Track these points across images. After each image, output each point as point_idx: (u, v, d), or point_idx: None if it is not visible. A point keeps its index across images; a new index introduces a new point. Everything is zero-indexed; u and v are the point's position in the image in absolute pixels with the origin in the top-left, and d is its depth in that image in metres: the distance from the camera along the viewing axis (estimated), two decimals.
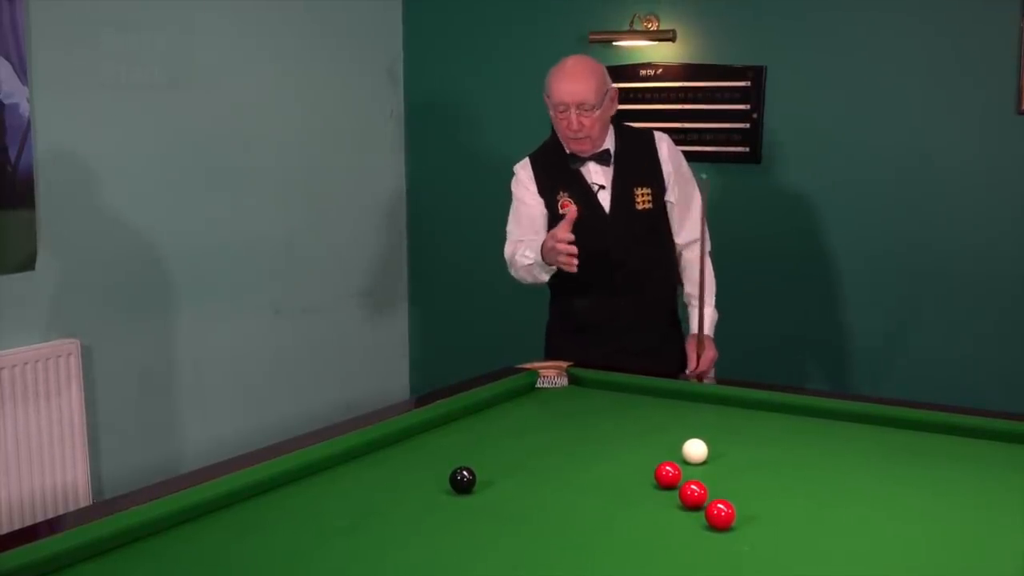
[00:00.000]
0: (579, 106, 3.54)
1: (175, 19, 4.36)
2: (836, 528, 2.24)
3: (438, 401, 3.05)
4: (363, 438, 2.71)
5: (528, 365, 3.44)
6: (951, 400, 3.23)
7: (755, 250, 4.65)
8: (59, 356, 3.94)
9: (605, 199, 3.66)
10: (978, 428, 2.83)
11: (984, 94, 4.22)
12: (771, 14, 4.56)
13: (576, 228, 3.58)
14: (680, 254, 3.80)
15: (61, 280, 4.02)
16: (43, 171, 3.92)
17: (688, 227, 3.75)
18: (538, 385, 3.35)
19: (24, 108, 3.82)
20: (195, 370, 4.54)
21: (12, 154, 3.80)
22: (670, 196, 3.70)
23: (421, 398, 3.27)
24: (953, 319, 4.36)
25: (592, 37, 4.81)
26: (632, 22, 4.77)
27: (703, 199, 3.59)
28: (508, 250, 3.77)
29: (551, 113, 3.65)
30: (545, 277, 3.65)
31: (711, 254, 3.79)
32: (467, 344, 5.43)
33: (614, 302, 3.70)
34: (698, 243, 3.71)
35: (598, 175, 3.68)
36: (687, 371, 3.67)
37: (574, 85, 3.55)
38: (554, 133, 3.75)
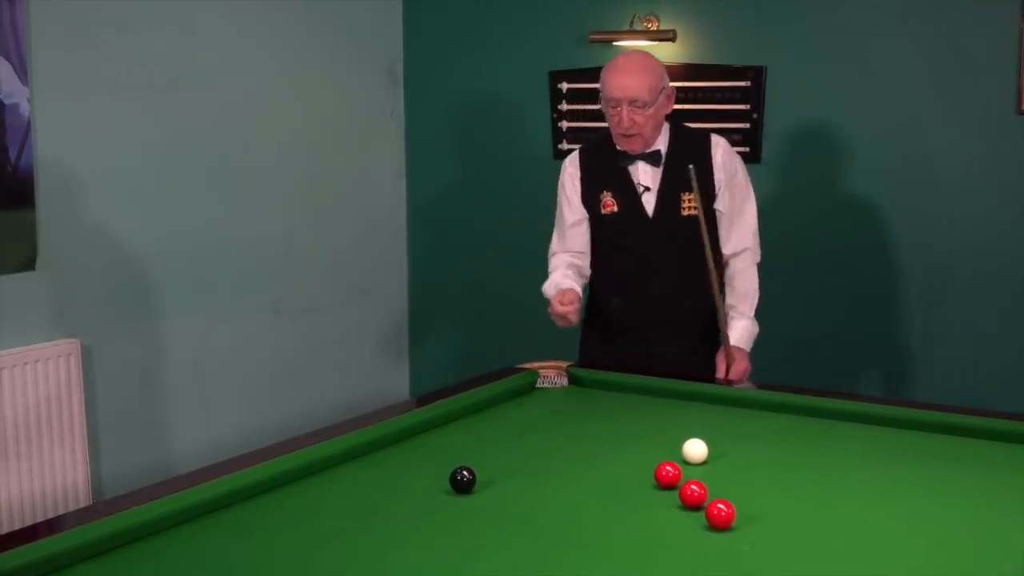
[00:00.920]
0: (631, 102, 3.44)
1: (175, 19, 4.35)
2: (836, 528, 2.25)
3: (438, 401, 3.05)
4: (363, 438, 2.72)
5: (528, 365, 3.44)
6: (951, 400, 3.23)
7: None
8: (59, 356, 3.94)
9: (649, 202, 3.57)
10: (978, 428, 2.84)
11: (984, 94, 4.22)
12: (771, 14, 4.56)
13: (618, 227, 3.58)
14: (727, 263, 3.67)
15: (61, 280, 4.02)
16: (43, 171, 3.92)
17: (737, 236, 3.62)
18: (538, 385, 3.35)
19: (24, 108, 3.82)
20: (195, 370, 4.54)
21: (12, 154, 3.80)
22: (719, 204, 3.58)
23: (421, 398, 3.28)
24: (953, 319, 4.36)
25: (592, 37, 4.81)
26: (632, 22, 4.77)
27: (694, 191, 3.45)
28: (550, 259, 3.74)
29: (603, 108, 3.56)
30: (555, 287, 3.57)
31: (759, 266, 3.71)
32: (467, 344, 5.43)
33: (648, 308, 3.62)
34: (747, 252, 3.65)
35: (646, 176, 3.58)
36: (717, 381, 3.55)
37: (626, 80, 3.45)
38: (608, 128, 3.64)
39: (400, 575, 2.03)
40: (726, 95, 4.64)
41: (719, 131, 4.61)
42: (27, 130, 3.83)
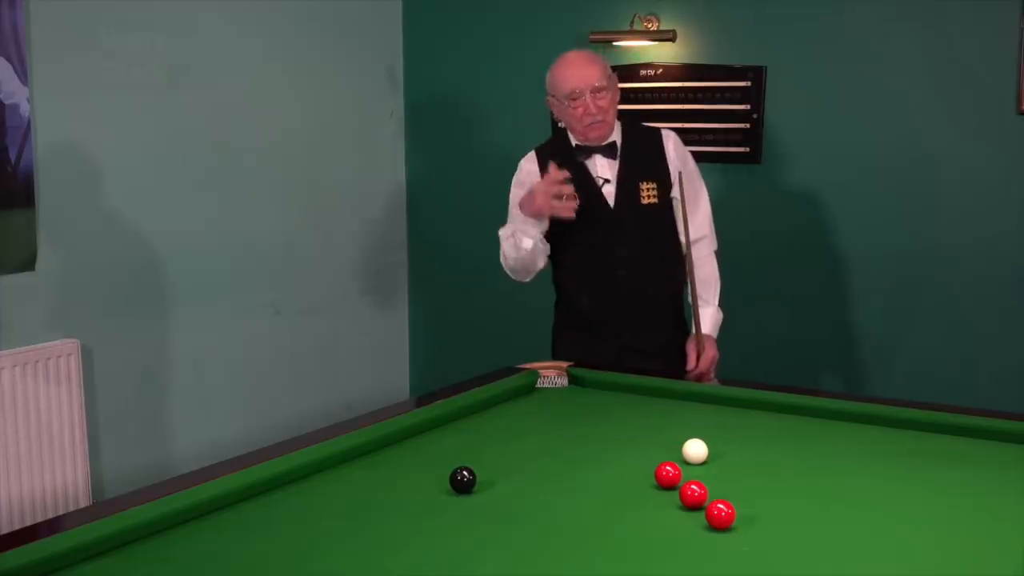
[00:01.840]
0: (593, 89, 3.55)
1: (175, 20, 4.36)
2: (836, 528, 2.24)
3: (438, 401, 3.05)
4: (363, 438, 2.71)
5: (528, 365, 3.44)
6: (951, 400, 3.22)
7: (755, 250, 4.65)
8: (59, 356, 3.94)
9: (610, 194, 3.64)
10: (978, 428, 2.83)
11: (984, 94, 4.22)
12: (771, 14, 4.56)
13: (580, 222, 3.60)
14: (690, 256, 3.73)
15: (61, 280, 4.02)
16: (43, 171, 3.92)
17: (693, 225, 3.68)
18: (538, 385, 3.35)
19: (24, 108, 3.82)
20: (195, 370, 4.54)
21: (12, 154, 3.80)
22: (675, 192, 3.66)
23: (421, 398, 3.28)
24: (953, 319, 4.36)
25: (592, 37, 4.81)
26: (632, 22, 4.77)
27: (681, 193, 3.58)
28: (503, 245, 3.72)
29: (561, 108, 3.64)
30: (528, 244, 3.57)
31: (717, 253, 3.79)
32: (467, 344, 5.43)
33: (619, 299, 3.66)
34: (704, 240, 3.73)
35: (604, 169, 3.66)
36: (687, 370, 3.64)
37: (583, 70, 3.58)
38: (557, 132, 3.73)
39: (400, 575, 2.03)
40: (726, 95, 4.64)
41: (719, 131, 4.65)
42: (27, 130, 3.83)
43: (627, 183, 3.64)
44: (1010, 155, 4.20)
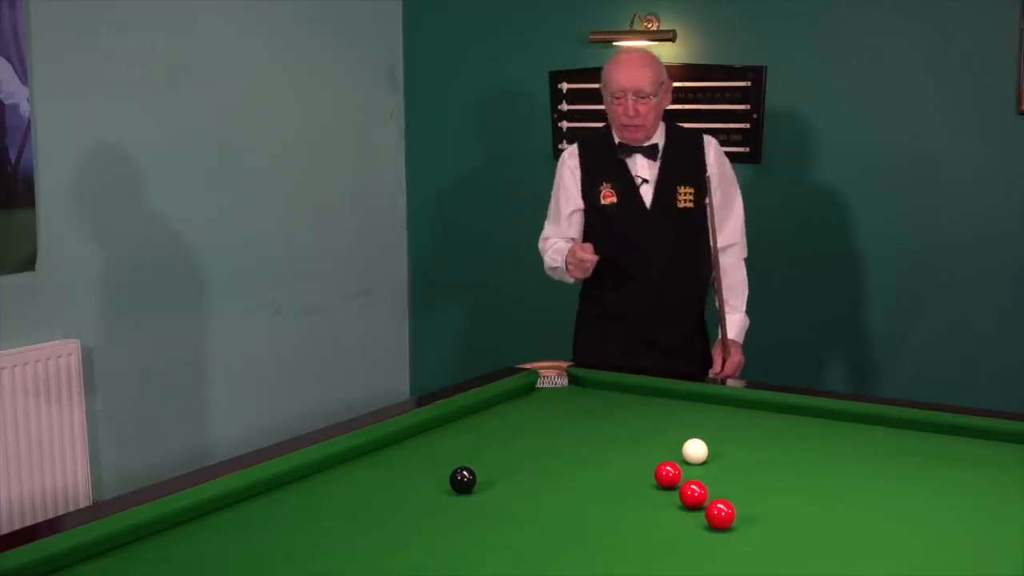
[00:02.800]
0: (636, 93, 3.58)
1: (175, 19, 4.35)
2: (836, 528, 2.25)
3: (438, 401, 3.05)
4: (363, 438, 2.72)
5: (528, 365, 3.45)
6: (951, 399, 3.23)
7: (755, 250, 4.63)
8: (59, 357, 3.94)
9: (647, 193, 3.68)
10: (978, 428, 2.84)
11: (985, 94, 4.22)
12: (771, 14, 4.56)
13: (616, 219, 3.68)
14: (718, 261, 3.74)
15: (61, 281, 4.01)
16: (43, 171, 3.92)
17: (726, 232, 3.74)
18: (538, 385, 3.36)
19: (24, 108, 3.82)
20: (196, 370, 4.54)
21: (12, 154, 3.80)
22: (709, 198, 3.67)
23: (421, 398, 3.28)
24: (953, 319, 4.36)
25: (592, 37, 4.81)
26: (632, 22, 4.77)
27: (709, 197, 3.60)
28: (541, 245, 3.85)
29: (606, 102, 3.69)
30: (569, 281, 3.71)
31: (745, 261, 3.83)
32: (467, 344, 5.43)
33: (644, 297, 3.70)
34: (734, 248, 3.79)
35: (643, 168, 3.70)
36: (710, 373, 3.67)
37: (632, 72, 3.60)
38: (606, 123, 3.78)
39: (400, 575, 2.03)
40: (726, 95, 4.64)
41: (719, 131, 4.64)
42: (27, 130, 3.83)
43: (665, 185, 3.68)
44: (1010, 155, 4.20)
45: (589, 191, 3.74)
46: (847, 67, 4.45)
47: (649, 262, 3.68)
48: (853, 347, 4.57)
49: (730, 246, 3.77)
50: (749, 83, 4.59)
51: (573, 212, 3.77)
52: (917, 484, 2.50)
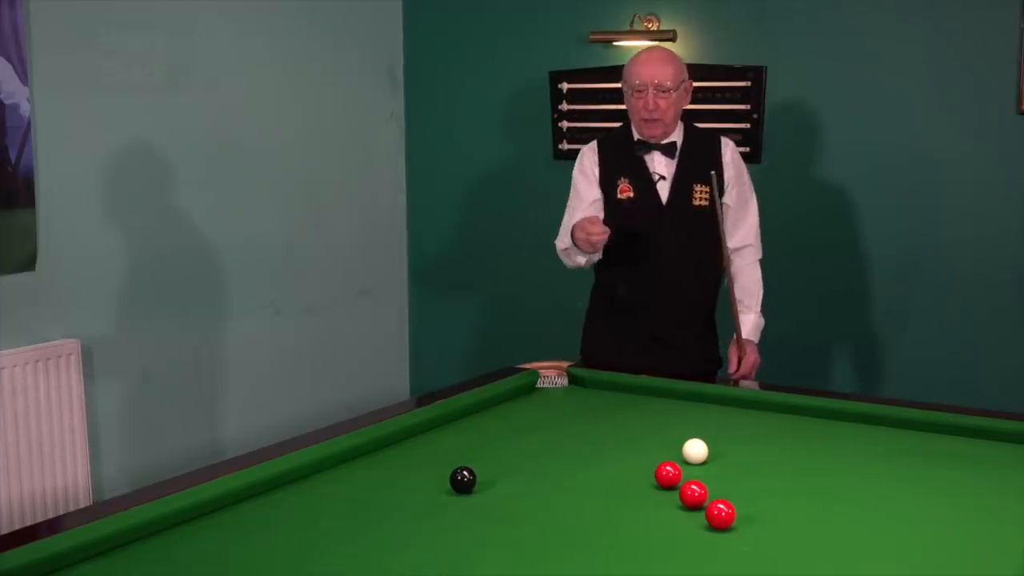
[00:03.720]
0: (656, 87, 3.61)
1: (175, 19, 4.35)
2: (836, 528, 2.25)
3: (438, 401, 3.05)
4: (363, 438, 2.72)
5: (529, 365, 3.45)
6: (951, 399, 3.23)
7: None
8: (59, 356, 3.94)
9: (664, 190, 3.70)
10: (978, 428, 2.84)
11: (985, 94, 4.22)
12: (771, 14, 4.56)
13: (631, 214, 3.69)
14: (729, 259, 3.77)
15: (61, 280, 4.01)
16: (43, 171, 3.92)
17: (741, 232, 3.77)
18: (538, 385, 3.36)
19: (24, 108, 3.82)
20: (196, 370, 4.54)
21: (12, 154, 3.80)
22: (727, 199, 3.72)
23: (421, 398, 3.28)
24: (953, 319, 4.36)
25: (592, 37, 4.81)
26: (632, 22, 4.77)
27: (716, 194, 3.60)
28: (558, 242, 3.81)
29: (627, 97, 3.72)
30: (582, 260, 3.68)
31: (761, 262, 3.84)
32: (467, 344, 5.43)
33: (657, 293, 3.71)
34: (749, 249, 3.81)
35: (661, 166, 3.72)
36: (729, 373, 3.70)
37: (653, 67, 3.65)
38: (625, 122, 3.81)
39: (400, 575, 2.03)
40: (727, 95, 4.64)
41: (719, 131, 4.65)
42: (27, 130, 3.83)
43: (681, 183, 3.70)
44: (1010, 155, 4.20)
45: (606, 185, 3.75)
46: (847, 67, 4.45)
47: (661, 258, 3.69)
48: (853, 346, 4.57)
49: (745, 247, 3.78)
50: (749, 83, 4.59)
51: (592, 203, 3.76)
52: (917, 484, 2.50)
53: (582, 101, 4.89)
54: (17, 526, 3.62)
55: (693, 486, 2.33)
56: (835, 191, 4.52)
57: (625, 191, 3.72)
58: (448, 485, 2.42)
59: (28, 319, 3.92)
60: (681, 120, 3.77)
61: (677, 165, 3.71)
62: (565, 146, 4.94)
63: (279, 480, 2.45)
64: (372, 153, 5.37)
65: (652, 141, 3.71)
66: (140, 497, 2.27)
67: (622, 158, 3.75)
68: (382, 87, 5.38)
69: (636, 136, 3.75)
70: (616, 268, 3.75)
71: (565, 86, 4.93)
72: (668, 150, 3.72)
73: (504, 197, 5.22)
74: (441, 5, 5.34)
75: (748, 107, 4.60)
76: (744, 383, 3.63)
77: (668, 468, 2.45)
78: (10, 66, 3.77)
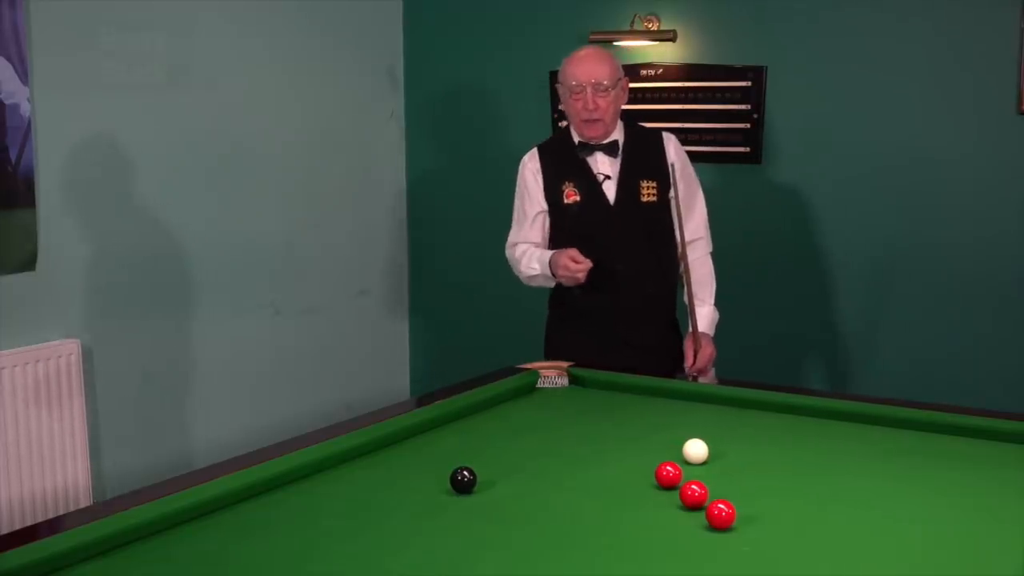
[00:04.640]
0: (595, 86, 3.61)
1: (175, 19, 4.36)
2: (836, 528, 2.25)
3: (439, 401, 3.05)
4: (363, 438, 2.71)
5: (529, 365, 3.44)
6: (951, 399, 3.23)
7: (756, 250, 4.65)
8: (60, 357, 3.94)
9: (610, 190, 3.70)
10: (978, 428, 2.84)
11: (985, 94, 4.22)
12: (772, 14, 4.56)
13: (580, 218, 3.69)
14: (685, 253, 3.77)
15: (62, 280, 4.02)
16: (44, 171, 3.92)
17: (691, 226, 3.76)
18: (539, 385, 3.35)
19: (25, 108, 3.82)
20: (196, 370, 4.54)
21: (13, 154, 3.80)
22: (673, 192, 3.69)
23: (422, 398, 3.28)
24: (953, 319, 4.36)
25: (593, 37, 4.81)
26: (633, 22, 4.77)
27: (675, 190, 3.63)
28: (509, 252, 3.86)
29: (565, 99, 3.71)
30: (550, 285, 3.74)
31: (712, 255, 3.85)
32: (468, 344, 5.43)
33: (615, 294, 3.70)
34: (700, 242, 3.80)
35: (605, 166, 3.72)
36: (685, 368, 3.68)
37: (590, 66, 3.64)
38: (564, 127, 3.81)
39: (400, 575, 2.03)
40: (727, 95, 4.64)
41: (719, 131, 4.65)
42: (28, 130, 3.83)
43: (627, 180, 3.70)
44: (1010, 155, 4.20)
45: (552, 192, 3.75)
46: (847, 67, 4.45)
47: (616, 258, 3.68)
48: (853, 346, 4.57)
49: (696, 240, 3.77)
50: (749, 83, 4.59)
51: (537, 215, 3.78)
52: (917, 484, 2.50)
53: None
54: (17, 526, 3.62)
55: (693, 486, 2.32)
56: (835, 191, 4.52)
57: (571, 195, 3.71)
58: (448, 485, 2.42)
59: (28, 319, 3.92)
60: (621, 119, 3.77)
61: (621, 163, 3.71)
62: None
63: (279, 480, 2.45)
64: (372, 153, 5.37)
65: (593, 142, 3.71)
66: (140, 497, 2.27)
67: (564, 162, 3.75)
68: (382, 87, 5.38)
69: (577, 139, 3.74)
70: None
71: None
72: (610, 149, 3.72)
73: (504, 197, 5.18)
74: (441, 5, 5.34)
75: (748, 107, 4.60)
76: (702, 378, 3.65)
77: (668, 468, 2.45)
78: (10, 66, 3.77)
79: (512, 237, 3.87)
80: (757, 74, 4.58)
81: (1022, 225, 4.21)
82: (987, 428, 2.83)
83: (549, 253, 3.69)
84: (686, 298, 3.73)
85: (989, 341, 4.30)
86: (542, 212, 3.78)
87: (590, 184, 3.71)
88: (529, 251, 3.77)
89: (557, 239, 3.76)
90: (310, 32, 4.95)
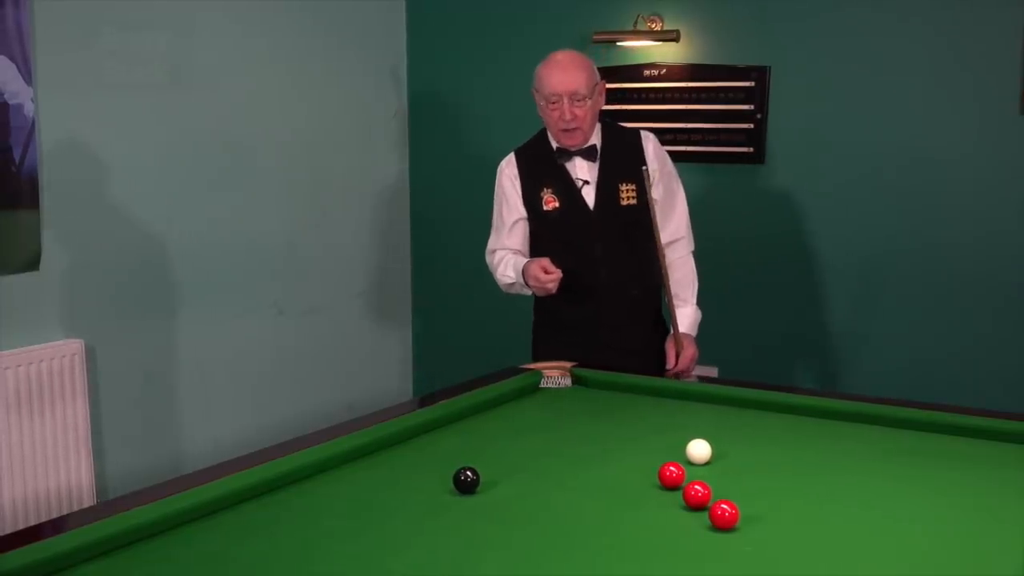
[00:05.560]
0: (571, 96, 3.55)
1: (178, 19, 4.36)
2: (838, 528, 2.25)
3: (441, 401, 3.05)
4: (366, 438, 2.72)
5: (532, 365, 3.45)
6: (952, 399, 3.23)
7: (758, 250, 4.65)
8: (63, 356, 3.95)
9: (589, 195, 3.67)
10: (978, 428, 2.84)
11: (987, 95, 4.22)
12: (775, 14, 4.57)
13: (561, 224, 3.67)
14: (663, 253, 3.74)
15: (65, 280, 4.02)
16: (47, 171, 3.93)
17: (672, 226, 3.73)
18: (542, 385, 3.36)
19: (28, 108, 3.83)
20: (199, 370, 4.54)
21: (16, 154, 3.81)
22: (654, 193, 3.65)
23: (424, 398, 3.28)
24: (954, 318, 4.36)
25: (596, 37, 4.81)
26: (636, 22, 4.77)
27: (647, 189, 3.58)
28: (489, 259, 3.84)
29: (541, 107, 3.67)
30: (527, 293, 3.69)
31: (694, 254, 3.82)
32: (470, 344, 5.43)
33: (598, 299, 3.69)
34: (681, 241, 3.77)
35: (583, 171, 3.68)
36: (666, 369, 3.66)
37: (566, 75, 3.57)
38: (541, 130, 3.77)
39: (402, 575, 2.03)
40: (730, 95, 4.65)
41: (722, 131, 4.65)
42: (31, 130, 3.84)
43: (606, 185, 3.67)
44: (1012, 155, 4.20)
45: (531, 198, 3.72)
46: (850, 67, 4.45)
47: (598, 263, 3.67)
48: (853, 346, 4.57)
49: (677, 240, 3.75)
50: (752, 83, 4.59)
51: (516, 221, 3.76)
52: (917, 484, 2.50)
53: None
54: (21, 526, 3.63)
55: (696, 486, 2.33)
56: (837, 191, 4.52)
57: (551, 202, 3.68)
58: (451, 485, 2.42)
59: (31, 319, 3.93)
60: (599, 120, 3.72)
61: (599, 168, 3.67)
62: None
63: (281, 480, 2.46)
64: (375, 153, 5.37)
65: (572, 149, 3.67)
66: (143, 497, 2.27)
67: (542, 168, 3.71)
68: (385, 87, 5.39)
69: (554, 144, 3.70)
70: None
71: None
72: (588, 154, 3.68)
73: None
74: (444, 5, 5.34)
75: (751, 107, 4.60)
76: (687, 377, 3.61)
77: (671, 468, 2.45)
78: (14, 66, 3.77)
79: (491, 243, 3.84)
80: (760, 74, 4.58)
81: (1023, 225, 4.21)
82: (987, 428, 2.83)
83: (524, 261, 3.65)
84: (667, 299, 3.71)
85: (989, 341, 4.30)
86: (521, 219, 3.75)
87: (569, 190, 3.68)
88: (507, 258, 3.74)
89: (537, 246, 3.75)
90: (313, 32, 4.96)
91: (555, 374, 3.39)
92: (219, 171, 4.58)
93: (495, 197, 3.83)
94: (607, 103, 4.69)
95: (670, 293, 3.67)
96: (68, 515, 2.47)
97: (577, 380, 3.39)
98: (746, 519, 2.22)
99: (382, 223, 5.42)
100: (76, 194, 4.05)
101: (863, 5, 4.40)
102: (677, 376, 3.60)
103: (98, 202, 4.13)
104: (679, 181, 3.82)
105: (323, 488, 2.48)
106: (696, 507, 2.31)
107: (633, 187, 3.65)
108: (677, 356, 3.66)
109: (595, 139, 3.69)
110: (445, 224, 5.48)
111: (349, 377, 5.23)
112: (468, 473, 2.41)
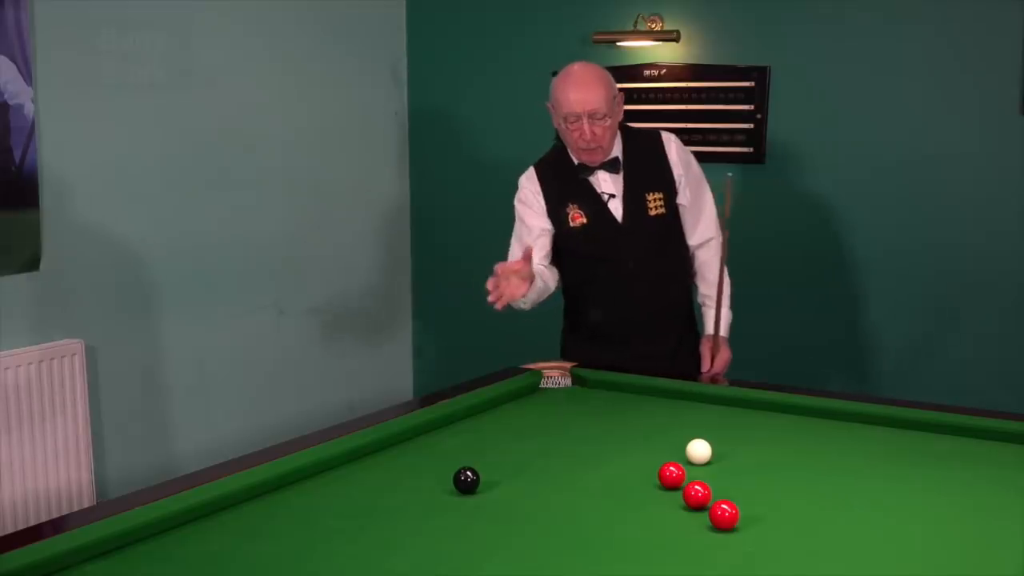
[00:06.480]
0: (591, 115, 3.42)
1: (179, 19, 4.36)
2: (840, 529, 2.25)
3: (442, 401, 3.05)
4: (367, 439, 2.72)
5: (532, 365, 3.45)
6: (954, 400, 3.23)
7: (759, 250, 4.65)
8: (63, 357, 3.94)
9: (617, 208, 3.56)
10: (978, 428, 2.84)
11: (988, 95, 4.22)
12: (775, 15, 4.56)
13: (589, 238, 3.58)
14: (693, 255, 3.71)
15: (65, 281, 4.02)
16: (47, 172, 3.92)
17: (701, 227, 3.66)
18: (542, 386, 3.36)
19: (28, 109, 3.83)
20: (199, 371, 4.54)
21: (17, 155, 3.81)
22: (681, 199, 3.61)
23: (425, 398, 3.28)
24: (954, 318, 4.36)
25: (596, 38, 4.81)
26: (636, 22, 4.77)
27: (728, 197, 3.46)
28: None
29: (558, 124, 3.55)
30: (524, 307, 3.51)
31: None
32: (471, 345, 5.43)
33: (630, 312, 3.62)
34: (712, 242, 3.67)
35: (608, 184, 3.57)
36: (702, 372, 3.60)
37: (585, 94, 3.42)
38: (559, 141, 3.67)
39: (403, 575, 2.03)
40: (730, 95, 4.64)
41: (722, 131, 4.65)
42: (31, 131, 3.84)
43: (633, 197, 3.57)
44: (1013, 155, 4.20)
45: (555, 215, 3.61)
46: (850, 67, 4.45)
47: (630, 277, 3.59)
48: (854, 346, 4.57)
49: (708, 241, 3.67)
50: (753, 83, 4.59)
51: (540, 234, 3.61)
52: (917, 484, 2.50)
53: None
54: (21, 526, 3.63)
55: (697, 486, 2.33)
56: (838, 191, 4.52)
57: (577, 218, 3.57)
58: (451, 485, 2.42)
59: (32, 319, 3.93)
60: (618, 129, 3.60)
61: (624, 180, 3.56)
62: None
63: (282, 480, 2.46)
64: (375, 153, 5.37)
65: (593, 165, 3.56)
66: (143, 497, 2.27)
67: (565, 183, 3.59)
68: (386, 87, 5.39)
69: (576, 159, 3.58)
70: (586, 292, 3.66)
71: None
72: (611, 166, 3.55)
73: (507, 197, 5.19)
74: (445, 5, 5.34)
75: (751, 107, 4.60)
76: (719, 381, 3.54)
77: (672, 468, 2.46)
78: (14, 66, 3.77)
79: (511, 255, 3.70)
80: (760, 74, 4.58)
81: (1023, 226, 4.22)
82: (987, 428, 2.83)
83: (541, 269, 3.50)
84: (700, 300, 3.68)
85: (989, 341, 4.30)
86: (546, 231, 3.62)
87: (595, 205, 3.57)
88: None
89: (566, 261, 3.66)
90: (313, 33, 4.96)
91: (555, 374, 3.39)
92: (219, 171, 4.58)
93: (517, 210, 3.68)
94: None
95: (704, 296, 3.63)
96: (68, 515, 2.47)
97: (577, 380, 3.39)
98: (746, 519, 2.22)
99: (383, 224, 5.42)
100: (76, 194, 4.05)
101: (863, 6, 4.40)
102: (713, 379, 3.51)
103: (98, 202, 4.13)
104: (705, 181, 3.70)
105: (324, 488, 2.48)
106: (696, 507, 2.31)
107: (660, 196, 3.55)
108: (712, 359, 3.60)
109: (616, 150, 3.57)
110: (445, 223, 5.48)
111: (349, 377, 5.22)
112: (468, 473, 2.41)
